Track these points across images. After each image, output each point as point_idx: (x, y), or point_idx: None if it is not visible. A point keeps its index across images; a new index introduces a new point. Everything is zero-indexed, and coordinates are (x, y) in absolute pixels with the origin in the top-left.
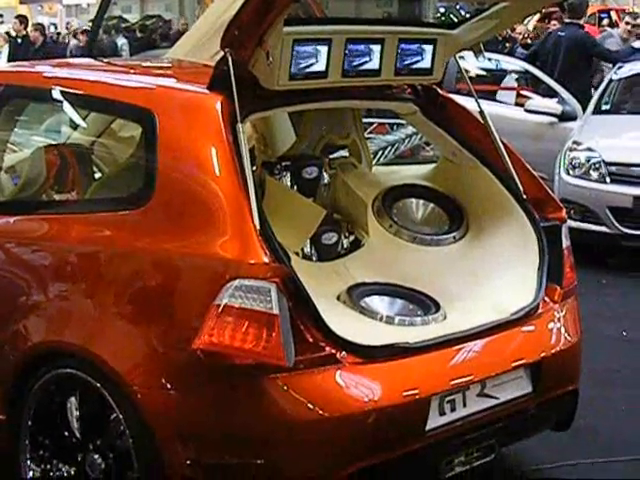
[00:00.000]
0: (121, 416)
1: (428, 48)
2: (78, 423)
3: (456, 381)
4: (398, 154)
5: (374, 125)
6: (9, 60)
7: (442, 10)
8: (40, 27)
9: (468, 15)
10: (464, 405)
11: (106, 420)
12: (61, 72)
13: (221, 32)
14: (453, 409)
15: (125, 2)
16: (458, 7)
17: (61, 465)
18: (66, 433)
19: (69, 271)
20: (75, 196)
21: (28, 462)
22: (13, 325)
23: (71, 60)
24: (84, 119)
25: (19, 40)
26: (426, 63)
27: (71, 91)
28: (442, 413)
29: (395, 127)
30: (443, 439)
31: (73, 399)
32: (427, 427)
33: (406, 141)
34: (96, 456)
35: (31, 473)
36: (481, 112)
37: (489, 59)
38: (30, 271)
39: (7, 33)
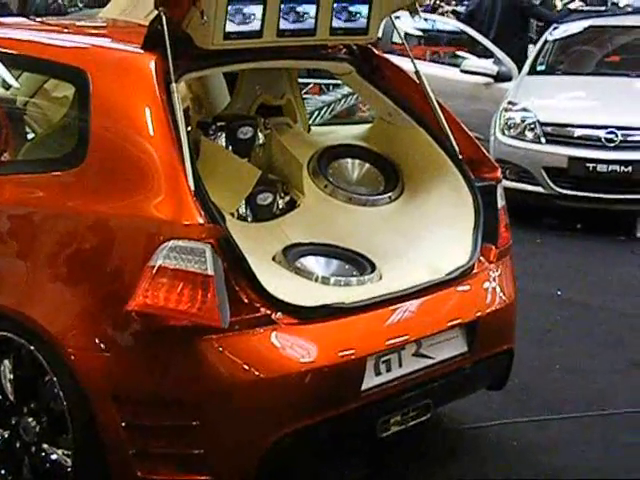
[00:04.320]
0: (55, 379)
1: (363, 8)
2: (12, 386)
3: (392, 341)
4: (334, 114)
5: (310, 85)
6: None
7: None
8: None
9: None
10: (400, 365)
11: (40, 383)
12: None
13: None
14: (389, 369)
15: None
16: None
17: None
18: (0, 396)
19: (2, 233)
20: (7, 157)
21: None
22: None
23: (3, 19)
24: (16, 79)
25: None
26: (361, 23)
27: (3, 50)
28: (378, 373)
29: (331, 87)
30: (379, 399)
31: (6, 362)
32: (363, 387)
33: (342, 101)
34: (30, 419)
35: None
36: (417, 72)
37: (425, 19)
38: None
39: None
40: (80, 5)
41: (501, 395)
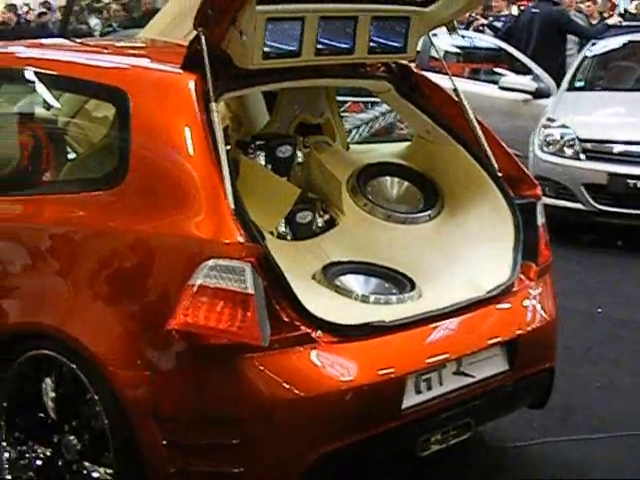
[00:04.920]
0: (96, 397)
1: (401, 26)
2: (53, 404)
3: (432, 359)
4: (372, 132)
5: (348, 104)
6: None
7: None
8: (13, 8)
9: None
10: (440, 383)
11: (82, 401)
12: (34, 53)
13: (194, 11)
14: (429, 387)
15: None
16: None
17: (37, 446)
18: (42, 414)
19: (44, 252)
20: (49, 177)
21: (4, 443)
22: None
23: (44, 40)
24: (58, 100)
25: None
26: (399, 41)
27: (44, 72)
28: (418, 392)
29: (370, 105)
30: (419, 418)
31: (49, 380)
32: (403, 406)
33: (380, 119)
34: (72, 437)
35: (7, 454)
36: (455, 90)
37: (462, 36)
38: (5, 252)
39: None
40: (114, 25)
41: (542, 413)
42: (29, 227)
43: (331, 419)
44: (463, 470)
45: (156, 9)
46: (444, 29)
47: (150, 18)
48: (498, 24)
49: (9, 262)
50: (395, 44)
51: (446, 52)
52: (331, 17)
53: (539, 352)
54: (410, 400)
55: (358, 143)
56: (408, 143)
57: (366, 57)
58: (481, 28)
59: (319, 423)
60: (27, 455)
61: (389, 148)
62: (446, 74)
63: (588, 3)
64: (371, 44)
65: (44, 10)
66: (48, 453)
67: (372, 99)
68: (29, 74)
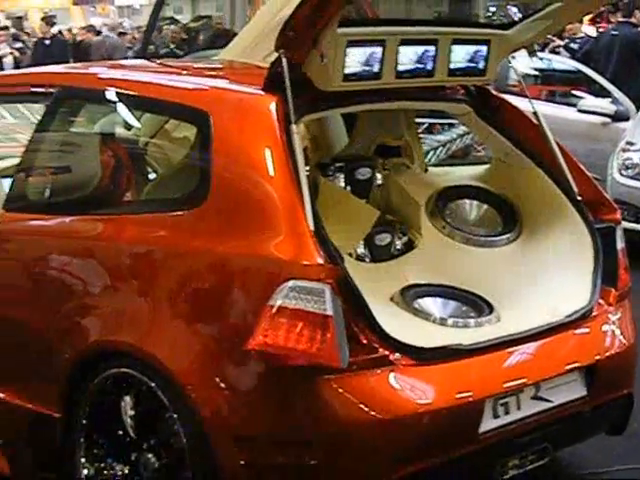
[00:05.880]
0: (175, 415)
1: (482, 49)
2: (132, 422)
3: (510, 384)
4: (449, 154)
5: (425, 125)
6: (34, 63)
7: (493, 9)
8: (92, 28)
9: (519, 17)
10: (518, 408)
11: (160, 419)
12: (115, 73)
13: (274, 33)
14: (507, 412)
15: (177, 3)
16: (508, 7)
17: (115, 464)
18: (120, 432)
19: (123, 271)
20: (129, 197)
21: (82, 460)
22: (69, 324)
23: (124, 61)
24: (138, 120)
25: (47, 42)
26: (480, 64)
27: (125, 92)
28: (496, 416)
29: (446, 127)
30: (497, 442)
31: (128, 398)
32: (481, 430)
33: (457, 141)
34: (150, 455)
35: (85, 471)
36: (535, 112)
37: (541, 59)
38: (85, 271)
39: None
40: (172, 47)
41: (621, 440)
42: (109, 246)
43: (408, 442)
44: None
45: (225, 30)
46: (522, 51)
47: (215, 40)
48: (574, 46)
49: (89, 281)
50: (475, 67)
51: (524, 74)
52: (411, 40)
53: (618, 378)
54: (488, 424)
55: (435, 165)
56: (487, 166)
57: (446, 80)
58: (557, 50)
59: (396, 446)
60: (105, 472)
61: (467, 171)
62: (525, 96)
63: None
64: (451, 67)
65: (121, 31)
66: (126, 471)
67: (449, 121)
68: (110, 94)
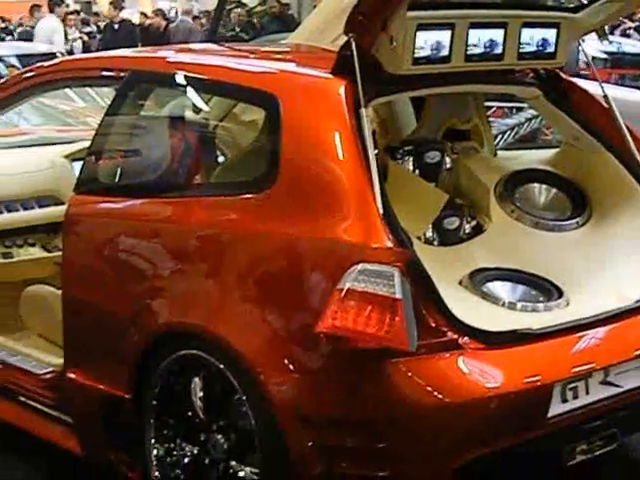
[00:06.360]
0: (244, 397)
1: (551, 32)
2: (202, 403)
3: (579, 368)
4: (517, 138)
5: (493, 109)
6: (103, 47)
7: None
8: (161, 12)
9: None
10: (587, 393)
11: (229, 401)
12: (184, 57)
13: (342, 17)
14: (575, 396)
15: None
16: None
17: (184, 444)
18: (190, 413)
19: (193, 253)
20: (198, 180)
21: (152, 440)
22: (138, 306)
23: (193, 45)
24: (207, 103)
25: (115, 26)
26: (550, 47)
27: (194, 76)
28: (564, 400)
29: (514, 111)
30: (565, 427)
31: (197, 379)
32: (549, 414)
33: (526, 125)
34: (219, 436)
35: (155, 451)
36: (605, 96)
37: (611, 42)
38: (154, 253)
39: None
40: (237, 30)
41: None
42: (178, 229)
43: (476, 426)
44: None
45: (287, 14)
46: (592, 35)
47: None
48: None
49: (158, 263)
50: (545, 50)
51: (593, 58)
52: (481, 23)
53: None
54: (556, 409)
55: (503, 149)
56: (556, 150)
57: (516, 63)
58: (628, 32)
59: (464, 430)
60: (175, 453)
61: (536, 155)
62: (595, 80)
63: None
64: (520, 50)
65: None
66: (195, 451)
67: (517, 104)
68: (180, 78)
